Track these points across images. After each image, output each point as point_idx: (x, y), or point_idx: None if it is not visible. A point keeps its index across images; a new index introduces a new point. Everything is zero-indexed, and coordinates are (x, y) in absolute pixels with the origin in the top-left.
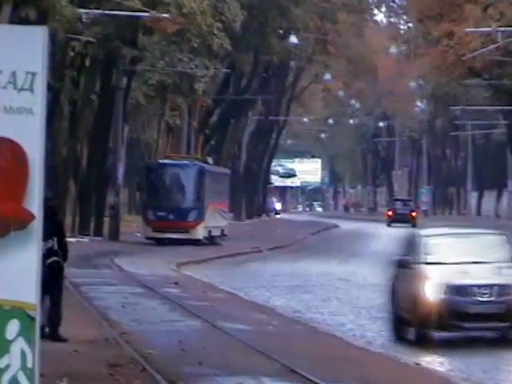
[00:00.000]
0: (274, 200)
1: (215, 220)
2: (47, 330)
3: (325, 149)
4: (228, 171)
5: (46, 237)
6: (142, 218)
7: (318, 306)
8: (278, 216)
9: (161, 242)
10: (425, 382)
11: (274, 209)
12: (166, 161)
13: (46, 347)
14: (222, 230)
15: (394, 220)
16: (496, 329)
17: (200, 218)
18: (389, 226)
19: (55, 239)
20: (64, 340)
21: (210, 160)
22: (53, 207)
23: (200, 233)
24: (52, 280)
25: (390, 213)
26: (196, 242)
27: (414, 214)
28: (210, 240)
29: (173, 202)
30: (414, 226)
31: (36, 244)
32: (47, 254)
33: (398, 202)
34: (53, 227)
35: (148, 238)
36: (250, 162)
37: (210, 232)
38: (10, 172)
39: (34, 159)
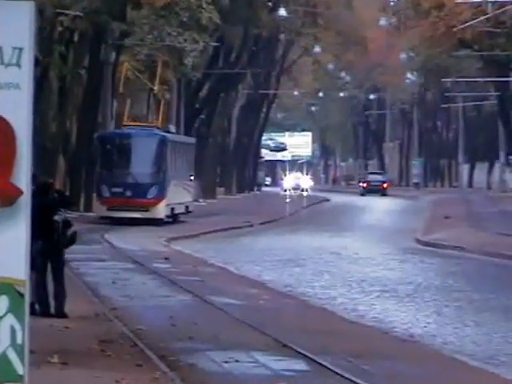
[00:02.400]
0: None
1: (179, 196)
2: (37, 306)
3: (315, 122)
4: (193, 140)
5: (56, 211)
6: (96, 195)
7: (310, 279)
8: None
9: (117, 222)
10: (418, 354)
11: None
12: (121, 130)
13: (36, 323)
14: (187, 207)
15: (368, 190)
16: None
17: (161, 194)
18: (362, 195)
19: (63, 210)
20: (66, 316)
21: (172, 128)
22: (46, 184)
23: (161, 211)
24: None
25: (364, 184)
26: (157, 222)
27: (385, 185)
28: (173, 218)
29: (130, 177)
30: (384, 195)
31: (24, 220)
32: (64, 225)
33: (372, 175)
34: (53, 200)
35: (102, 218)
36: (241, 136)
37: (172, 210)
38: None
39: (21, 134)
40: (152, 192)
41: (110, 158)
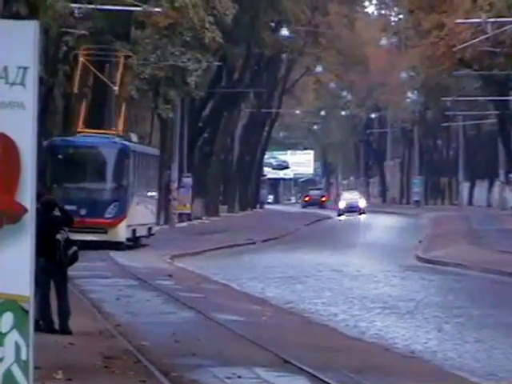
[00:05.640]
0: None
1: (141, 216)
2: (41, 323)
3: (317, 140)
4: (157, 152)
5: (59, 229)
6: None
7: (311, 296)
8: (362, 216)
9: None
10: (418, 370)
11: (339, 210)
12: (75, 137)
13: (41, 340)
14: (149, 229)
15: (310, 204)
16: None
17: (121, 213)
18: (304, 207)
19: (66, 229)
20: (70, 333)
21: (133, 137)
22: (50, 202)
23: (122, 233)
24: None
25: (307, 198)
26: (117, 246)
27: (323, 198)
28: (135, 241)
29: (85, 193)
30: (322, 207)
31: (29, 237)
32: (65, 244)
33: (313, 191)
34: (56, 218)
35: None
36: (243, 154)
37: (134, 232)
38: (3, 166)
39: (26, 153)
40: (111, 211)
41: (62, 170)
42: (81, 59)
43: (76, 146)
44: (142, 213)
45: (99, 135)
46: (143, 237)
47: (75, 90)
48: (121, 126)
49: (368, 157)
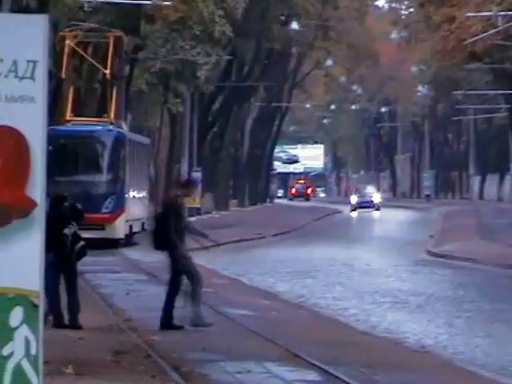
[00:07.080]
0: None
1: (137, 210)
2: (51, 317)
3: (327, 134)
4: (149, 141)
5: (67, 224)
6: None
7: (322, 291)
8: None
9: None
10: (429, 365)
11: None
12: (67, 127)
13: (51, 334)
14: (143, 224)
15: (296, 196)
16: None
17: (119, 207)
18: (291, 200)
19: (74, 224)
20: (80, 327)
21: (124, 125)
22: (60, 197)
23: (120, 229)
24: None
25: (293, 191)
26: (114, 243)
27: (308, 191)
28: (130, 238)
29: (80, 187)
30: (307, 199)
31: (39, 231)
32: (72, 239)
33: (298, 185)
34: (64, 213)
35: None
36: (253, 148)
37: (131, 227)
38: (12, 160)
39: (35, 147)
40: (108, 205)
41: (53, 162)
42: (67, 42)
43: (68, 135)
44: (137, 206)
45: (92, 123)
46: (138, 233)
47: (63, 75)
48: (113, 113)
49: (378, 151)
